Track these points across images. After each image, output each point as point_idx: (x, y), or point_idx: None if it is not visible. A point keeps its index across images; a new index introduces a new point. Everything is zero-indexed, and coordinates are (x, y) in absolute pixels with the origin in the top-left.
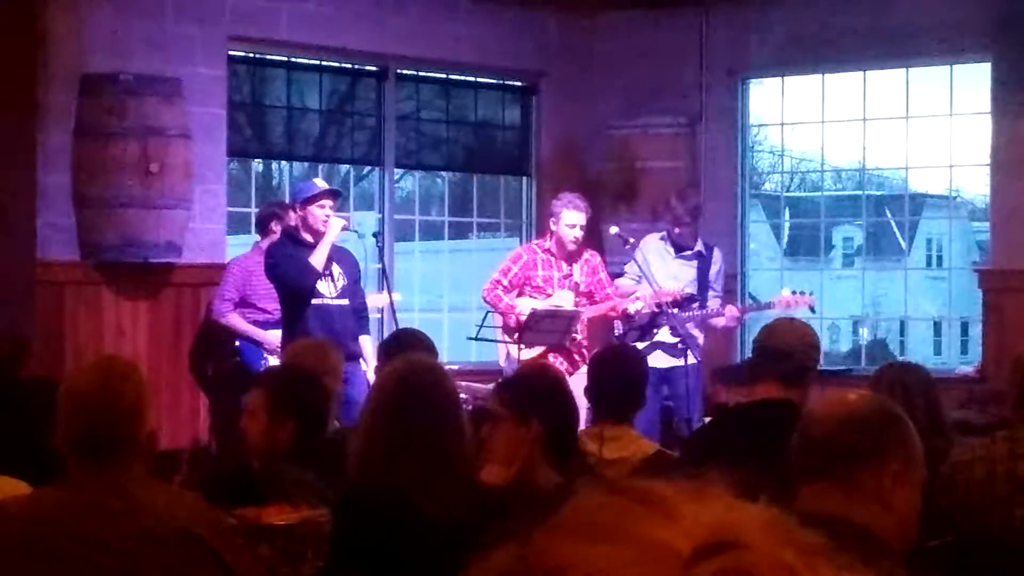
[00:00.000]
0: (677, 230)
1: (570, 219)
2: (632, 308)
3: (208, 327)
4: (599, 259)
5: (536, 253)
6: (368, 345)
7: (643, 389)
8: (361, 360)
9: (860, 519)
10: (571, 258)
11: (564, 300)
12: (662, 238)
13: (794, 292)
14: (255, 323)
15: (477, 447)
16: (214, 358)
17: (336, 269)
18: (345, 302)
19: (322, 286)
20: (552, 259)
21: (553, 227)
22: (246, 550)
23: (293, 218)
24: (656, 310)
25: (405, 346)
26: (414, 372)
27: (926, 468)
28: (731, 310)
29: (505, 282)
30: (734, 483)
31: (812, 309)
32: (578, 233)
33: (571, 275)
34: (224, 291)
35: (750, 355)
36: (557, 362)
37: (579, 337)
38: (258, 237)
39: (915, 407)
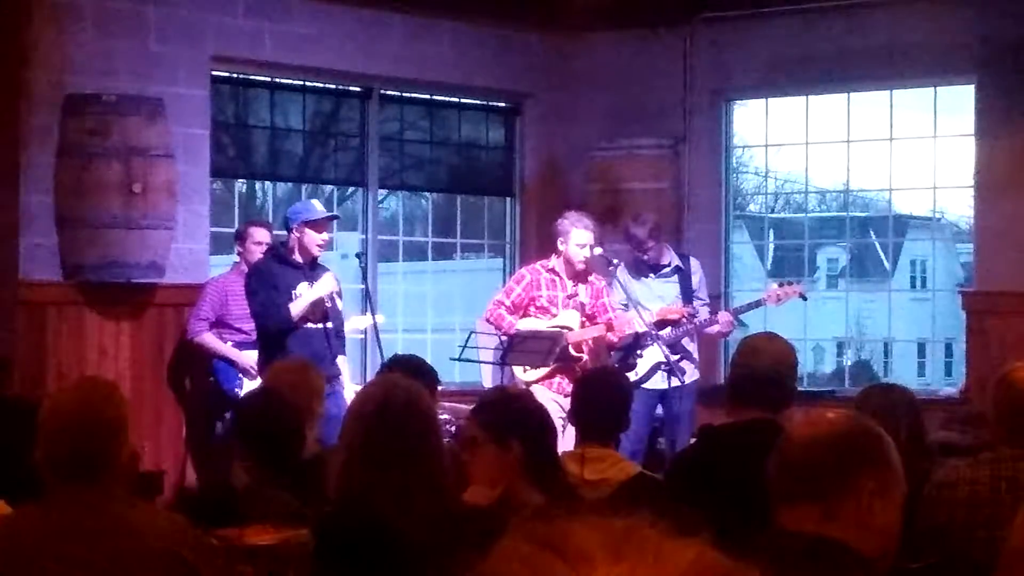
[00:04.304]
0: (645, 256)
1: (580, 239)
2: (641, 329)
3: (186, 345)
4: (604, 283)
5: (540, 273)
6: (344, 366)
7: (627, 411)
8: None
9: (839, 537)
10: (578, 278)
11: (570, 320)
12: (628, 265)
13: (781, 283)
14: (233, 343)
15: (458, 468)
16: (191, 376)
17: None
18: (326, 324)
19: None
20: (557, 279)
21: (561, 246)
22: (228, 570)
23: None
24: (644, 331)
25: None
26: (391, 393)
27: (908, 487)
28: (724, 315)
29: (508, 303)
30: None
31: (803, 297)
32: (588, 253)
33: (576, 295)
34: (199, 310)
35: (730, 376)
36: (564, 383)
37: (584, 358)
38: (237, 258)
39: (898, 429)
